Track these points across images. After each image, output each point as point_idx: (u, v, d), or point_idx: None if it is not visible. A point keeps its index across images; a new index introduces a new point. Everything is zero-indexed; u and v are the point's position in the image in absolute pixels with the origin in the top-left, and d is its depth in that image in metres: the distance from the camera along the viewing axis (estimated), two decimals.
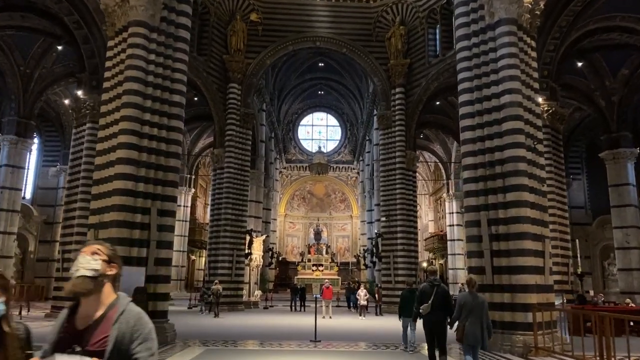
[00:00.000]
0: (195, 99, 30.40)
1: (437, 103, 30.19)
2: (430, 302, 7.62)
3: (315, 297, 15.07)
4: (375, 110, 34.39)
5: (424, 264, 36.60)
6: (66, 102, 26.14)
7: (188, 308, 26.22)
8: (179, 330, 12.55)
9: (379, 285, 23.90)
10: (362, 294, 21.51)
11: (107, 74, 12.19)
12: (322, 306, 20.49)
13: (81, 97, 19.29)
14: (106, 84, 12.17)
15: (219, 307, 21.36)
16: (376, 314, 22.48)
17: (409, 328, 10.96)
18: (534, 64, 12.28)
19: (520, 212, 10.84)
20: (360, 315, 20.96)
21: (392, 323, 19.42)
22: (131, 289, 10.51)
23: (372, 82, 28.74)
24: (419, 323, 8.41)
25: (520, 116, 11.27)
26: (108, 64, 12.25)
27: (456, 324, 7.32)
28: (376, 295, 23.40)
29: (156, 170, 11.59)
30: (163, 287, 11.42)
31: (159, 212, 11.44)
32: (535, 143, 11.48)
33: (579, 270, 18.56)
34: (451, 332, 7.68)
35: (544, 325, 10.33)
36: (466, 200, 11.78)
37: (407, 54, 26.89)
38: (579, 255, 19.09)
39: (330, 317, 20.30)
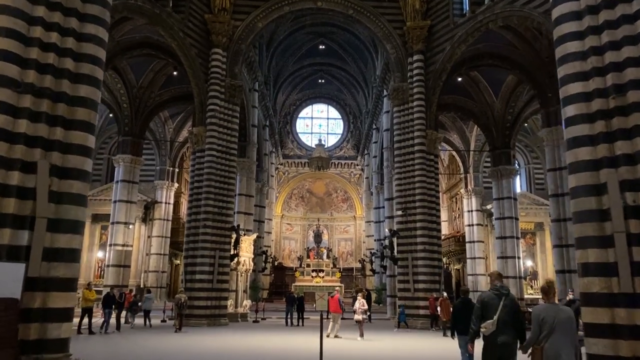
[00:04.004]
0: (175, 73, 25.97)
1: (459, 79, 25.80)
2: (495, 317, 5.70)
3: (322, 315, 10.15)
4: (385, 91, 29.87)
5: None
6: None
7: (162, 322, 21.41)
8: None
9: (444, 295, 18.25)
10: (357, 305, 15.53)
11: None
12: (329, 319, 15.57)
13: None
14: None
15: (182, 319, 17.12)
16: (444, 334, 16.14)
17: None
18: None
19: None
20: (360, 335, 15.21)
21: (425, 345, 14.72)
22: None
23: (384, 50, 24.12)
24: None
25: None
26: None
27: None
28: (438, 308, 17.55)
29: (54, 102, 6.93)
30: (61, 299, 6.67)
31: (55, 170, 6.75)
32: None
33: None
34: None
35: None
36: (571, 154, 7.11)
37: (426, 15, 22.38)
38: None
39: (336, 336, 15.39)
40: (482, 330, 5.75)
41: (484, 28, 20.20)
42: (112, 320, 16.74)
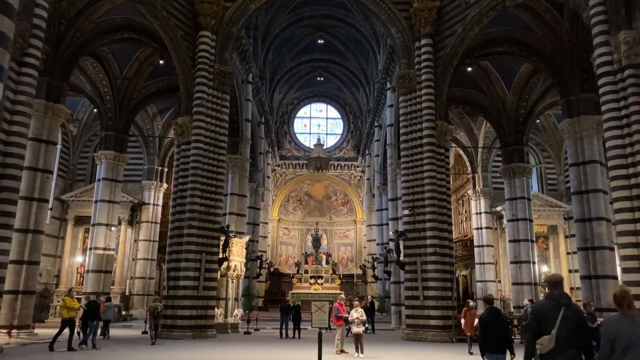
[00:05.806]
0: (161, 62, 24.02)
1: (469, 69, 23.96)
2: (553, 332, 4.52)
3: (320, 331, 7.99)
4: (388, 84, 27.95)
5: None
6: None
7: (142, 333, 19.38)
8: None
9: (470, 304, 15.60)
10: (355, 314, 12.94)
11: None
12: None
13: None
14: None
15: (157, 330, 15.19)
16: (470, 352, 13.60)
17: None
18: None
19: None
20: (357, 351, 12.69)
21: None
22: None
23: (388, 34, 22.18)
24: None
25: None
26: None
27: None
28: (462, 321, 14.88)
29: None
30: None
31: None
32: None
33: None
34: None
35: None
36: None
37: None
38: None
39: (342, 351, 13.17)
40: (537, 347, 4.74)
41: (500, 7, 18.34)
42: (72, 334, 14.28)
